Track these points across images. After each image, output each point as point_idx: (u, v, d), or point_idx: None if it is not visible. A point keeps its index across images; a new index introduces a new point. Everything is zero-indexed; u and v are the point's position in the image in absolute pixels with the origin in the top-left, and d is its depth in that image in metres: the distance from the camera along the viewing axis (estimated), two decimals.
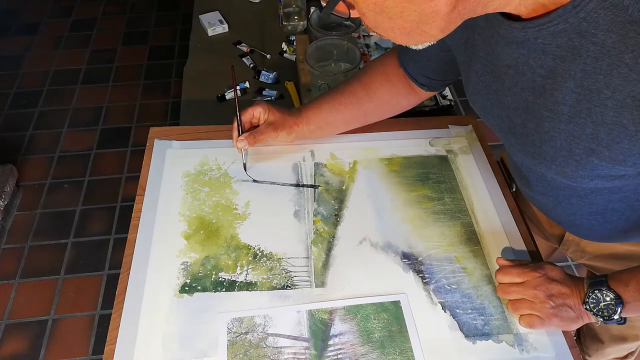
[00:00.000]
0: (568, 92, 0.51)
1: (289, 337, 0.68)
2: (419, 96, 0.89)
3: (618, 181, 0.56)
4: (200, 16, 1.38)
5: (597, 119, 0.50)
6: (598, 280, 0.63)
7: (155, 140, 0.93)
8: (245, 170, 0.87)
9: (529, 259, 0.77)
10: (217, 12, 1.39)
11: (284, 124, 0.86)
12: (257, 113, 0.85)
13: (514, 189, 0.89)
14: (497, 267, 0.77)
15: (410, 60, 0.82)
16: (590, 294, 0.63)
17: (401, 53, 0.84)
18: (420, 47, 0.52)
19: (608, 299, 0.61)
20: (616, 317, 0.61)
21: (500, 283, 0.69)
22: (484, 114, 0.69)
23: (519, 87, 0.57)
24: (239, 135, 0.83)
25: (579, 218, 0.70)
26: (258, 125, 0.86)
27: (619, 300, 0.61)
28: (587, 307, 0.63)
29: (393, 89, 0.87)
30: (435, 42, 0.51)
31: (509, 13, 0.52)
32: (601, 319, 0.62)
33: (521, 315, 0.67)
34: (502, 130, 0.66)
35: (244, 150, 0.85)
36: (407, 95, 0.88)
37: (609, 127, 0.50)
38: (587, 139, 0.52)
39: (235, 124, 0.84)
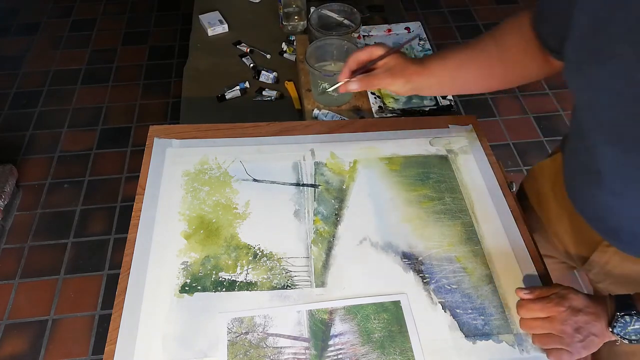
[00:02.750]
0: None
1: (289, 337, 0.68)
2: (551, 65, 0.76)
3: None
4: (200, 16, 1.38)
5: None
6: (625, 303, 0.61)
7: (155, 138, 0.93)
8: (322, 93, 0.82)
9: (529, 258, 0.77)
10: (217, 12, 1.39)
11: (403, 71, 0.77)
12: (375, 55, 0.78)
13: (514, 189, 0.89)
14: (499, 268, 0.77)
15: (543, 19, 0.72)
16: (619, 318, 0.61)
17: (536, 13, 0.74)
18: None
19: (637, 324, 0.60)
20: None
21: (522, 317, 0.67)
22: (590, 89, 0.60)
23: None
24: (352, 76, 0.77)
25: None
26: (370, 71, 0.79)
27: None
28: (615, 332, 0.61)
29: (527, 51, 0.76)
30: None
31: None
32: (626, 341, 0.61)
33: (548, 349, 0.65)
34: (615, 110, 0.57)
35: (341, 85, 0.79)
36: (540, 62, 0.76)
37: None
38: None
39: (352, 63, 0.78)
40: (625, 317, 0.60)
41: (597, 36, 0.56)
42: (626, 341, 0.61)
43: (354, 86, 0.77)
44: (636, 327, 0.60)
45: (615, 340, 0.62)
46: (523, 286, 0.73)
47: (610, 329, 0.61)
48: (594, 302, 0.64)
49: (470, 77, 0.81)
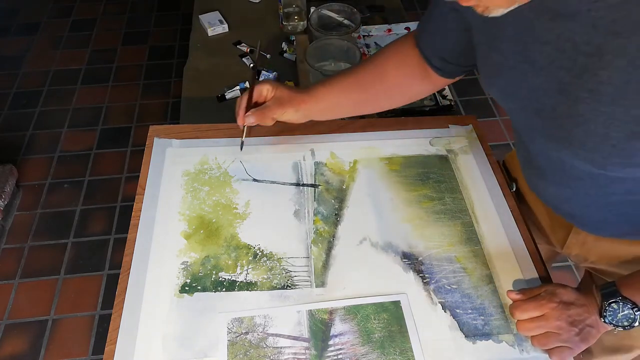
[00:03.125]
0: (616, 71, 0.49)
1: (289, 337, 0.68)
2: (434, 83, 0.85)
3: None
4: (200, 16, 1.38)
5: None
6: (610, 291, 0.62)
7: (155, 138, 0.93)
8: (241, 149, 0.87)
9: (529, 258, 0.77)
10: (217, 12, 1.39)
11: (291, 100, 0.83)
12: (264, 91, 0.83)
13: (514, 189, 0.89)
14: (499, 268, 0.77)
15: (427, 40, 0.79)
16: (607, 307, 0.61)
17: (419, 33, 0.80)
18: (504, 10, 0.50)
19: (626, 309, 0.61)
20: (636, 324, 0.61)
21: (518, 320, 0.67)
22: (503, 97, 0.66)
23: (554, 66, 0.55)
24: (246, 112, 0.81)
25: (594, 210, 0.69)
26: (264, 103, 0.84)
27: (637, 309, 0.60)
28: (606, 321, 0.62)
29: (407, 73, 0.83)
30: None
31: None
32: (620, 328, 0.61)
33: (550, 349, 0.65)
34: (526, 113, 0.62)
35: (246, 128, 0.84)
36: (421, 81, 0.84)
37: None
38: (631, 122, 0.50)
39: (244, 102, 0.82)
40: (612, 304, 0.61)
41: (494, 52, 0.63)
42: (620, 328, 0.61)
43: (251, 120, 0.82)
44: (625, 312, 0.61)
45: (612, 330, 0.63)
46: (524, 284, 0.74)
47: (602, 319, 0.62)
48: (584, 294, 0.65)
49: (354, 101, 0.87)
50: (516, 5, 0.49)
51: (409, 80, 0.85)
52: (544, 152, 0.67)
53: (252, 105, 0.84)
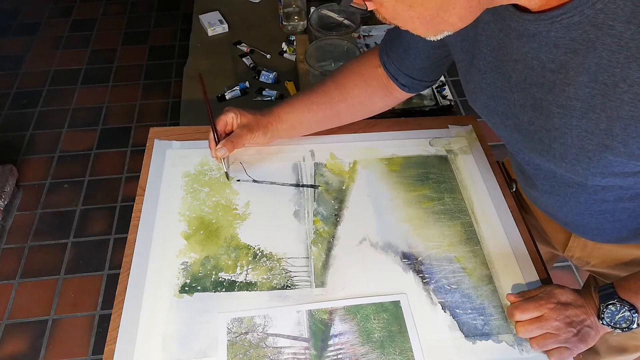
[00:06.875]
0: (581, 87, 0.50)
1: (288, 337, 0.68)
2: (395, 98, 0.88)
3: (631, 178, 0.55)
4: (200, 16, 1.38)
5: (612, 114, 0.49)
6: (607, 293, 0.62)
7: (155, 140, 0.93)
8: (228, 179, 0.87)
9: (529, 259, 0.77)
10: (217, 12, 1.39)
11: (258, 124, 0.85)
12: (229, 119, 0.84)
13: (514, 189, 0.89)
14: (499, 269, 0.77)
15: (396, 59, 0.81)
16: (605, 309, 0.62)
17: (387, 51, 0.82)
18: (439, 37, 0.51)
19: (623, 311, 0.61)
20: (634, 326, 0.61)
21: (517, 321, 0.66)
22: (486, 113, 0.68)
23: (527, 82, 0.56)
24: (217, 144, 0.82)
25: (587, 217, 0.69)
26: (232, 132, 0.85)
27: (635, 310, 0.60)
28: (604, 322, 0.62)
29: (368, 90, 0.86)
30: (454, 31, 0.50)
31: (520, 5, 0.51)
32: (619, 330, 0.62)
33: (549, 350, 0.65)
34: (507, 128, 0.64)
35: (224, 158, 0.85)
36: (383, 97, 0.87)
37: (625, 122, 0.48)
38: (601, 135, 0.51)
39: (212, 135, 0.83)
40: (610, 306, 0.62)
41: (474, 70, 0.65)
42: (619, 330, 0.62)
43: (223, 152, 0.82)
44: (624, 315, 0.61)
45: (611, 331, 0.63)
46: (524, 285, 0.74)
47: (600, 321, 0.62)
48: (582, 295, 0.66)
49: (318, 119, 0.89)
50: (445, 34, 0.50)
51: (370, 97, 0.87)
52: (532, 162, 0.68)
53: (222, 135, 0.85)
